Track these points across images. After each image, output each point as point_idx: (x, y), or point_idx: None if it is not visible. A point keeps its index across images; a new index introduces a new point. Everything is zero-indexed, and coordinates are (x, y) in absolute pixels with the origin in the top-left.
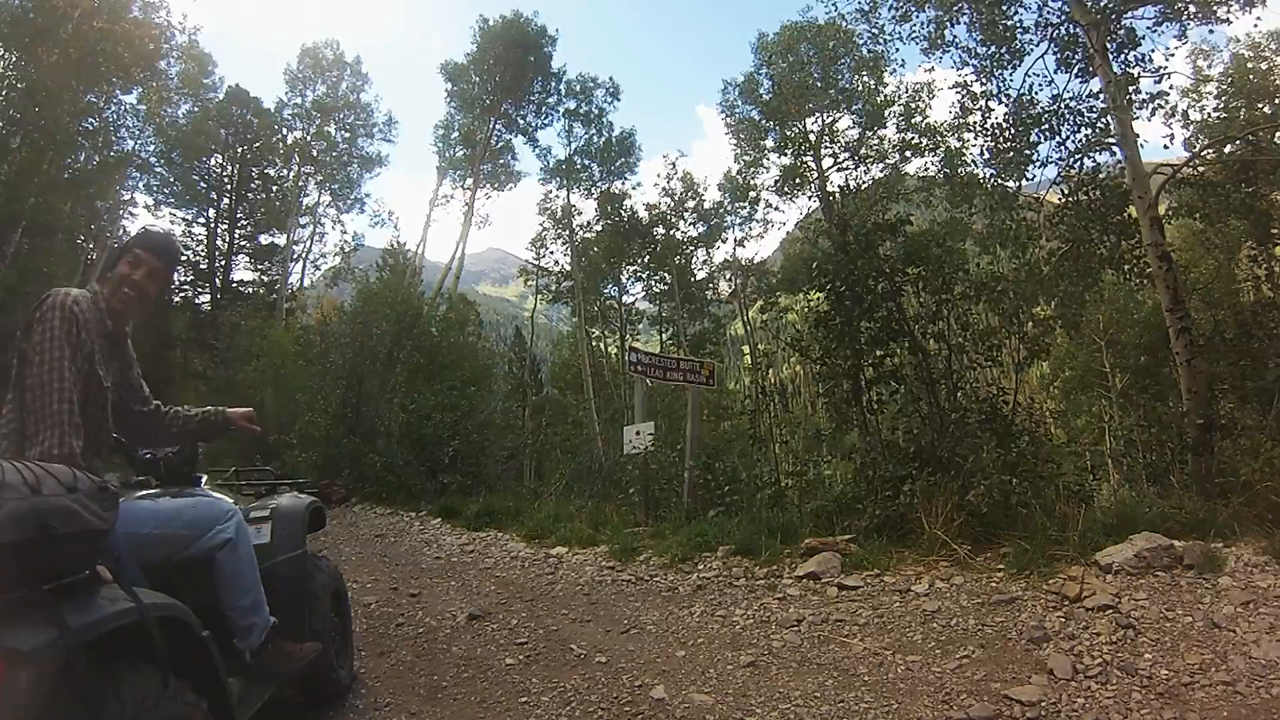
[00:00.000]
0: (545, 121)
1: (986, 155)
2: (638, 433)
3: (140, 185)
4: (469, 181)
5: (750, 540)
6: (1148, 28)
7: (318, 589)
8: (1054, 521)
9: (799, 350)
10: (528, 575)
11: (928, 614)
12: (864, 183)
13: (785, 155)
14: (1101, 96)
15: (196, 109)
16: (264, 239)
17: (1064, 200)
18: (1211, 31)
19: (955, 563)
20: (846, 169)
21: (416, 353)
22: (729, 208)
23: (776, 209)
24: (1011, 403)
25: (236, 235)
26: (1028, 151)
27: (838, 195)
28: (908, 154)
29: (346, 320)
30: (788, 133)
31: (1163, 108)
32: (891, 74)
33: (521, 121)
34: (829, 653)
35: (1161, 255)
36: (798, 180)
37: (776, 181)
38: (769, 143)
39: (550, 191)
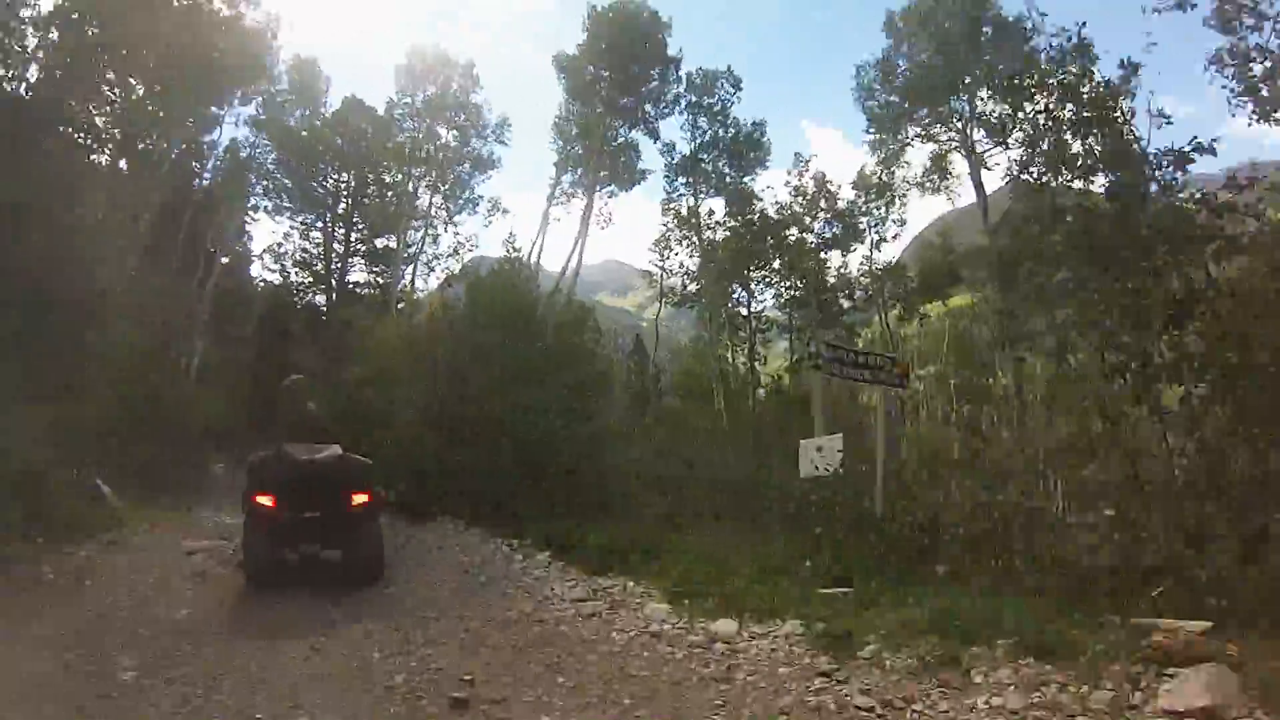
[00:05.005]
0: (665, 112)
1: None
2: (819, 449)
3: (259, 192)
4: (587, 178)
5: (1035, 623)
6: None
7: None
8: None
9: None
10: (683, 674)
11: None
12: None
13: (933, 140)
14: None
15: (307, 111)
16: (379, 242)
17: None
18: None
19: None
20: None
21: (529, 350)
22: (864, 207)
23: (904, 206)
24: None
25: (353, 238)
26: None
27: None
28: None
29: (453, 314)
30: (937, 110)
31: None
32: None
33: (640, 112)
34: None
35: None
36: (945, 168)
37: (924, 170)
38: (911, 130)
39: (675, 191)
